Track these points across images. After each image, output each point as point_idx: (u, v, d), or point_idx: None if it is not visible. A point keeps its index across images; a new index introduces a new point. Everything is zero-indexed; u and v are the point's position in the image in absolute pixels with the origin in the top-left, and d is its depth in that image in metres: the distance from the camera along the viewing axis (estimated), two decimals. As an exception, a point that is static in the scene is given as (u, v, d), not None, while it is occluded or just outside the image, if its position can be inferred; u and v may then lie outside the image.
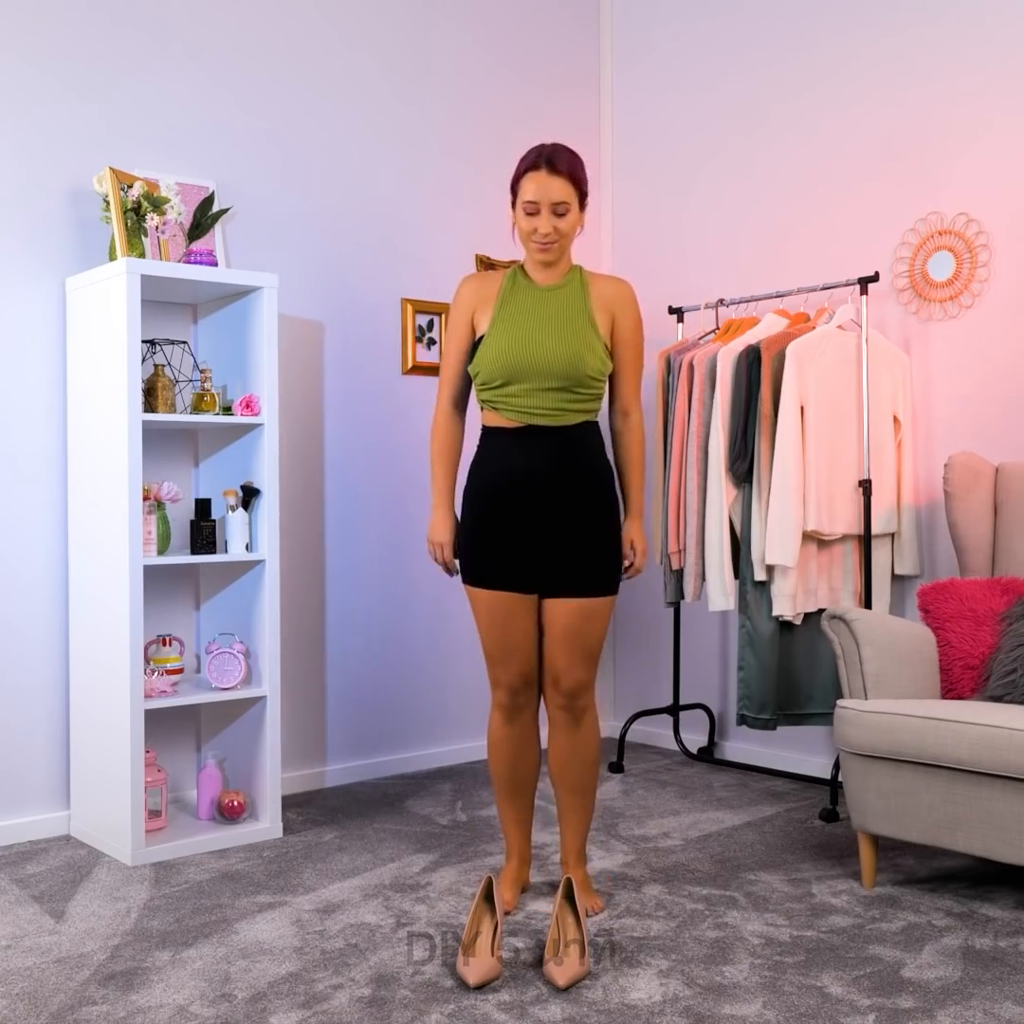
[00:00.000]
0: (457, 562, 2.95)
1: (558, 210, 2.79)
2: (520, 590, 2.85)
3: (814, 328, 3.88)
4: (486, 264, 4.52)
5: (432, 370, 4.40)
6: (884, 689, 3.05)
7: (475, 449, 2.96)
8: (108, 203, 3.45)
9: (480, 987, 2.44)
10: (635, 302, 2.93)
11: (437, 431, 2.99)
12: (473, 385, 2.92)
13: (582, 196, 2.83)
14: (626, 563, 2.93)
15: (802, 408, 3.73)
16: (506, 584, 2.85)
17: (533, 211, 2.79)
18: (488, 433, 2.90)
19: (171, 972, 2.55)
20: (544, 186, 2.77)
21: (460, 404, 2.99)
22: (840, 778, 3.70)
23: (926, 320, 3.95)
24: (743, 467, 3.80)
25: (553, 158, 2.78)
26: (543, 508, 2.82)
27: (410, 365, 4.35)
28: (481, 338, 2.87)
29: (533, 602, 2.88)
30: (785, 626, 3.83)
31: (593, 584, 2.85)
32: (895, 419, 3.92)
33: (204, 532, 3.50)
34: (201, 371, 3.53)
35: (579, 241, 4.87)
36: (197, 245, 3.69)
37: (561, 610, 2.85)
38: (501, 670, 2.90)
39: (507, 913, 2.87)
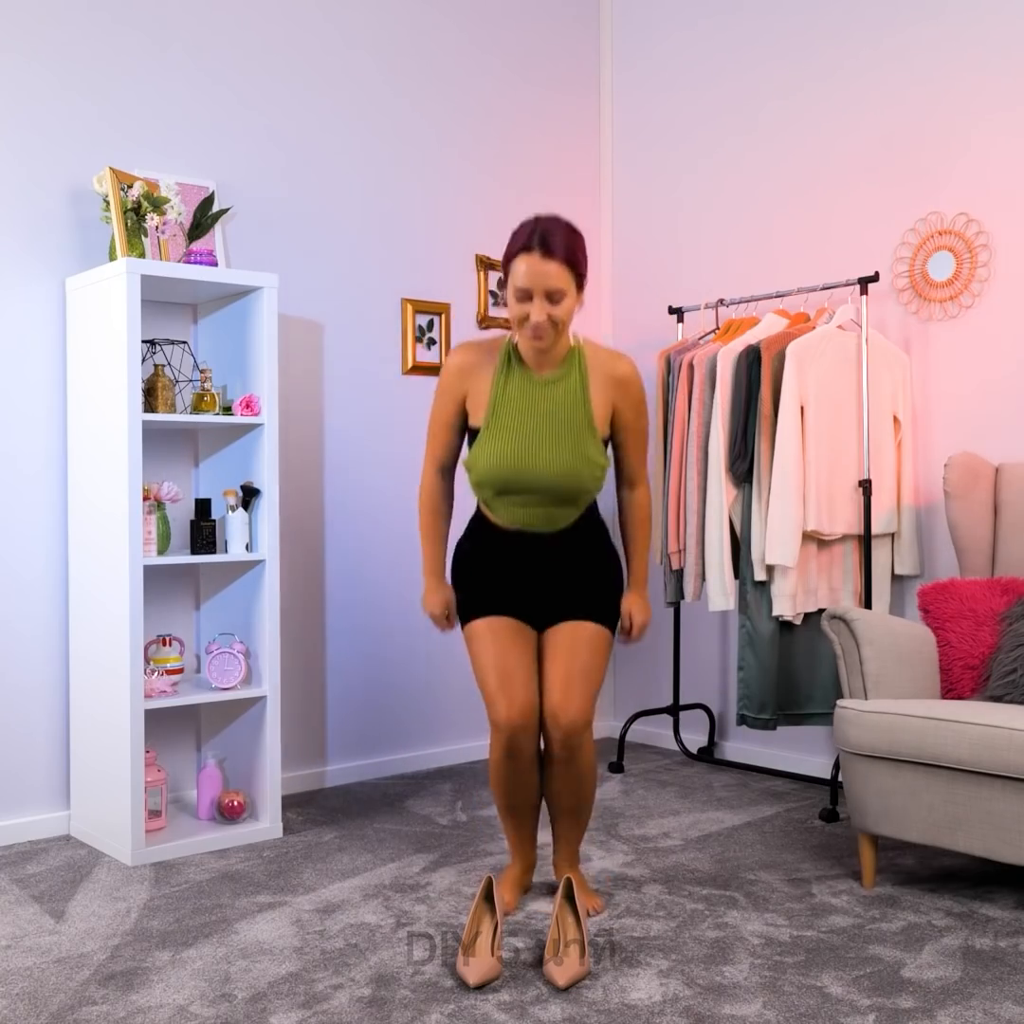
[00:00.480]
0: (454, 617, 2.92)
1: (553, 297, 2.59)
2: (518, 617, 2.83)
3: (814, 328, 3.88)
4: (486, 264, 4.52)
5: (432, 370, 4.40)
6: (884, 689, 3.05)
7: (469, 516, 2.92)
8: (108, 203, 3.45)
9: (480, 987, 2.44)
10: (638, 383, 2.80)
11: (424, 499, 2.91)
12: (467, 479, 2.83)
13: (580, 278, 2.63)
14: (623, 629, 2.90)
15: (802, 408, 3.73)
16: (504, 611, 2.82)
17: (525, 298, 2.60)
18: (481, 518, 2.87)
19: (171, 972, 2.55)
20: (537, 272, 2.56)
21: (447, 472, 2.91)
22: (840, 778, 3.70)
23: (926, 320, 3.95)
24: (743, 467, 3.80)
25: (547, 239, 2.56)
26: (537, 569, 2.82)
27: (410, 365, 4.35)
28: (476, 429, 2.78)
29: (531, 634, 2.84)
30: (785, 626, 3.83)
31: (586, 610, 2.82)
32: (895, 419, 3.92)
33: (204, 532, 3.50)
34: (201, 371, 3.53)
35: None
36: (197, 245, 3.70)
37: (556, 635, 2.82)
38: (501, 702, 2.73)
39: (507, 913, 2.87)
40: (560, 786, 2.86)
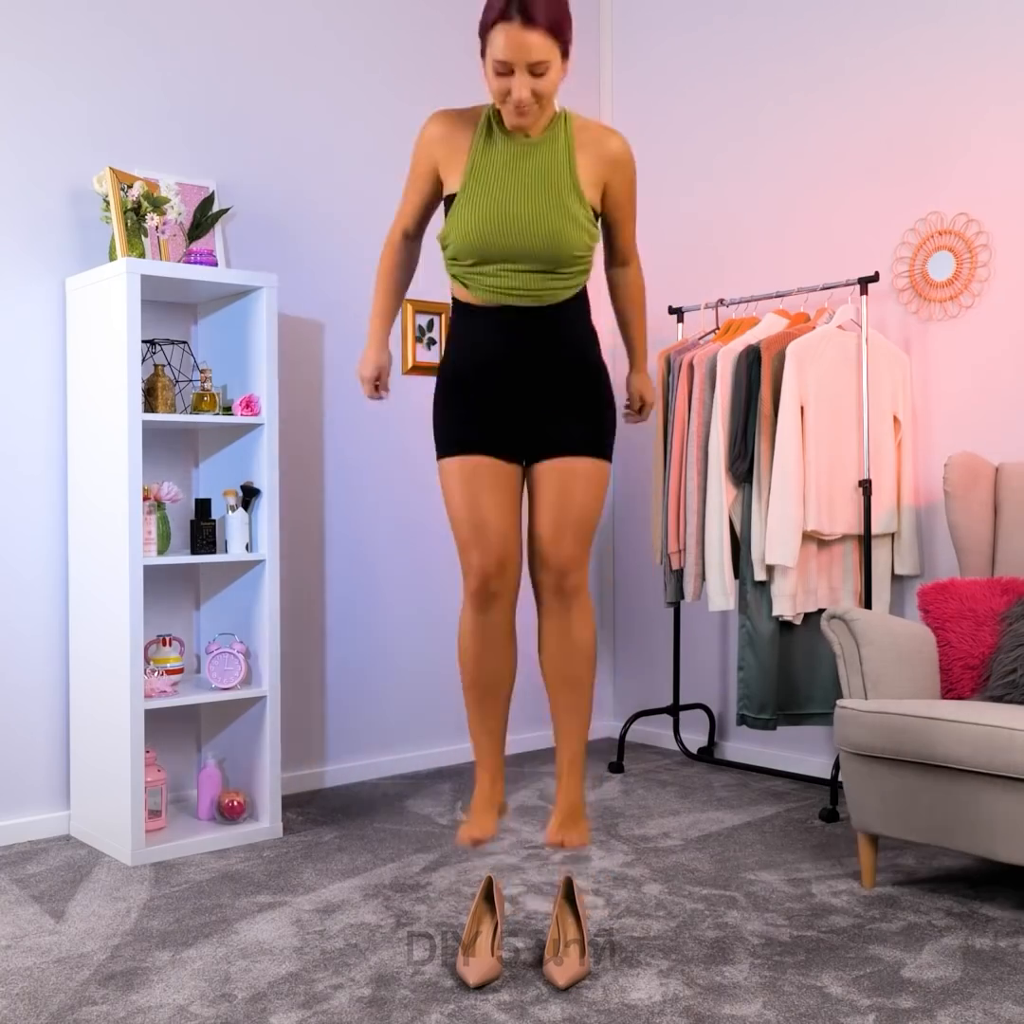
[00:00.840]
0: (386, 387, 2.74)
1: (536, 70, 2.35)
2: (497, 455, 2.57)
3: (814, 328, 3.88)
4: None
5: (432, 370, 4.40)
6: (884, 689, 3.05)
7: (447, 324, 2.73)
8: (108, 203, 3.45)
9: (480, 987, 2.44)
10: (630, 159, 2.56)
11: (386, 252, 2.71)
12: (443, 257, 2.59)
13: (565, 46, 2.38)
14: (633, 409, 2.81)
15: (802, 408, 3.73)
16: (481, 448, 2.56)
17: (505, 72, 2.36)
18: (460, 309, 2.60)
19: (171, 972, 2.55)
20: (518, 43, 2.31)
21: (414, 235, 2.71)
22: (840, 778, 3.70)
23: (926, 320, 3.95)
24: (743, 467, 3.80)
25: (527, 5, 2.30)
26: (523, 383, 2.57)
27: (410, 365, 4.35)
28: (451, 199, 2.54)
29: (513, 473, 2.60)
30: (785, 626, 3.83)
31: (579, 442, 2.57)
32: (895, 419, 3.92)
33: (204, 532, 3.50)
34: (201, 371, 3.53)
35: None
36: (197, 245, 3.70)
37: (546, 472, 2.58)
38: (474, 552, 2.55)
39: (487, 841, 2.63)
40: (555, 646, 2.63)
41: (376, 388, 2.74)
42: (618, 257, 2.73)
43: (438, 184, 2.60)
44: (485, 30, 2.37)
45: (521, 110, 2.39)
